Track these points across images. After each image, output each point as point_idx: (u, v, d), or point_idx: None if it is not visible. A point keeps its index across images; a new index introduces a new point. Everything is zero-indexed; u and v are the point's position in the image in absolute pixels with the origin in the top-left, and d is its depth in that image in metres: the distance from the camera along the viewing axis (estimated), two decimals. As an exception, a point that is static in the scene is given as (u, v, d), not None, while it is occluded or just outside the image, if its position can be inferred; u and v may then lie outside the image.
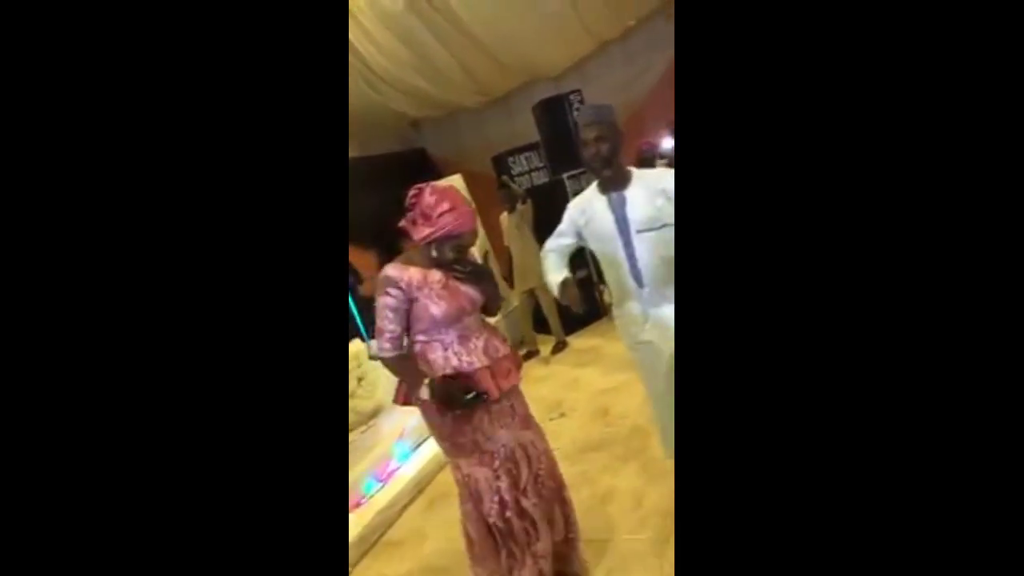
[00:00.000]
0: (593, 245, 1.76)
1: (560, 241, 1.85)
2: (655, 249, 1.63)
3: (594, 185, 1.75)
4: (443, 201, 1.47)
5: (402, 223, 1.55)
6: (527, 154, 4.51)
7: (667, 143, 4.60)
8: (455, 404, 1.48)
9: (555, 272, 1.79)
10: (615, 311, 1.86)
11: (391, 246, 6.75)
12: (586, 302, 4.80)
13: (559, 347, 4.24)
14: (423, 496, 2.70)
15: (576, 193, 4.58)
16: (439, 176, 5.41)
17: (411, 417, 3.17)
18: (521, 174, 4.49)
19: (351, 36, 4.52)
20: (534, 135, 4.69)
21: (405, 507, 2.62)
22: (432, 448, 3.00)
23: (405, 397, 1.59)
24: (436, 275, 1.52)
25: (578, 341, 4.30)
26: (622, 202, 1.65)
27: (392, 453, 2.91)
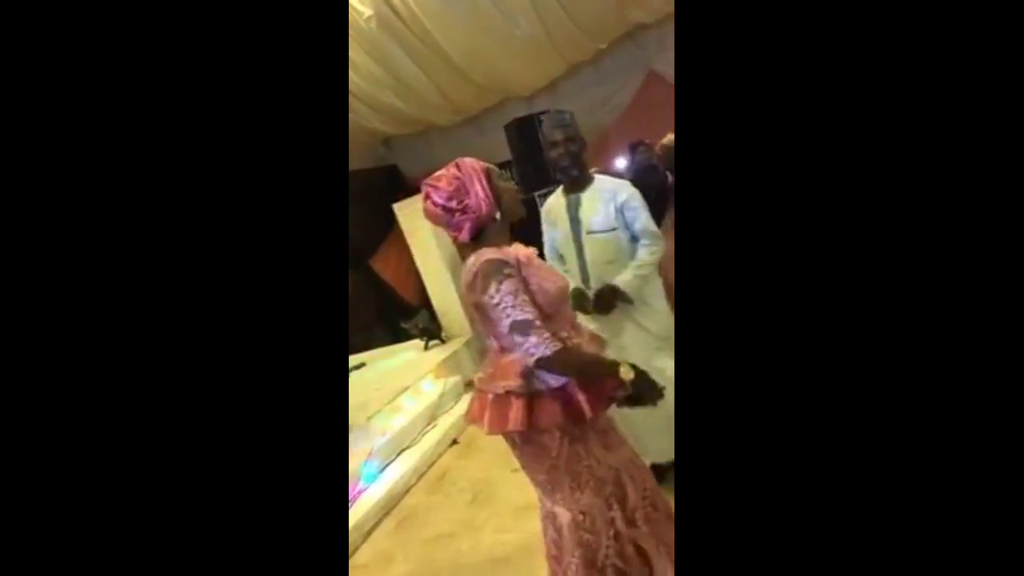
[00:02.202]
0: (550, 243, 1.89)
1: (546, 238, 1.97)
2: (602, 252, 1.74)
3: (560, 188, 1.85)
4: (457, 171, 1.27)
5: (463, 227, 1.27)
6: (500, 172, 4.55)
7: (620, 163, 4.68)
8: (653, 395, 1.24)
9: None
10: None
11: (362, 262, 6.70)
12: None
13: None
14: (390, 518, 2.65)
15: (548, 211, 4.61)
16: (411, 193, 5.41)
17: (378, 437, 3.11)
18: (493, 192, 4.51)
19: (323, 53, 4.52)
20: (506, 153, 4.73)
21: (372, 529, 2.56)
22: (400, 469, 2.95)
23: (537, 415, 1.21)
24: (525, 248, 1.30)
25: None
26: (577, 204, 1.77)
27: (359, 474, 2.85)
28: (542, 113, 4.46)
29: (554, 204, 1.86)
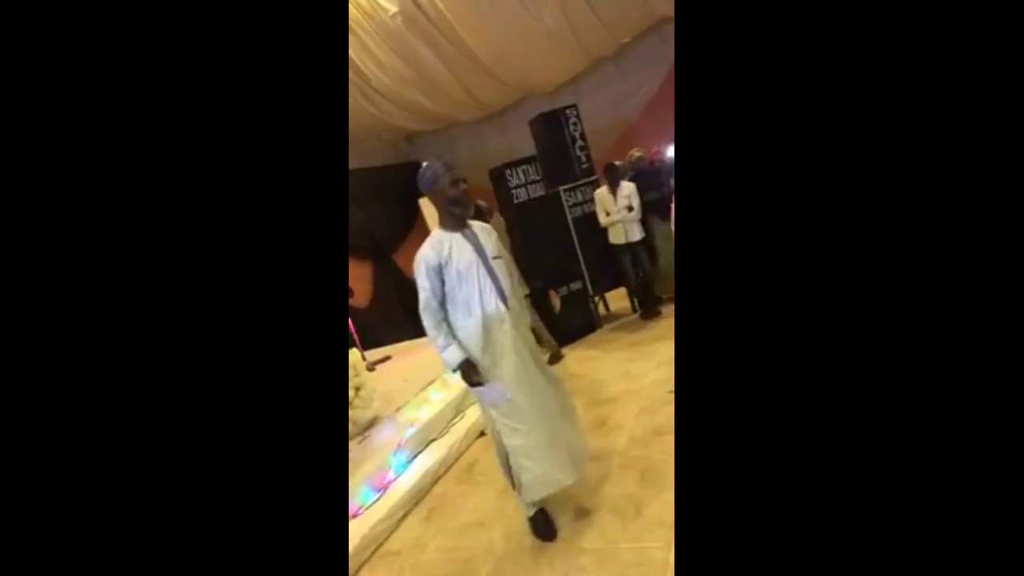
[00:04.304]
0: (453, 275, 1.95)
1: (431, 293, 1.97)
2: (506, 274, 2.05)
3: (438, 231, 2.01)
4: None
5: None
6: (523, 167, 4.57)
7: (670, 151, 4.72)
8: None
9: (440, 343, 2.00)
10: (461, 325, 1.99)
11: (387, 257, 6.76)
12: (581, 315, 4.79)
13: (554, 359, 4.26)
14: (421, 506, 2.70)
15: (573, 206, 4.60)
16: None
17: (407, 428, 3.17)
18: (517, 187, 4.53)
19: (350, 51, 4.58)
20: (527, 149, 4.74)
21: (403, 517, 2.61)
22: (429, 459, 3.00)
23: None
24: None
25: (572, 353, 4.32)
26: (475, 236, 2.02)
27: (389, 463, 2.91)
28: (567, 107, 4.47)
29: (447, 242, 1.97)
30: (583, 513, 2.18)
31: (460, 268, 1.95)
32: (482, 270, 1.97)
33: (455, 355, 1.96)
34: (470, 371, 1.97)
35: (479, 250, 1.99)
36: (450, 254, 1.95)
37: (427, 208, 4.83)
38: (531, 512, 2.13)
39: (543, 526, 2.12)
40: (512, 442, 2.02)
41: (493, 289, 1.98)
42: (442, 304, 1.99)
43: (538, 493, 2.05)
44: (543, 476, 2.01)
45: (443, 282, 1.96)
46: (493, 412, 2.03)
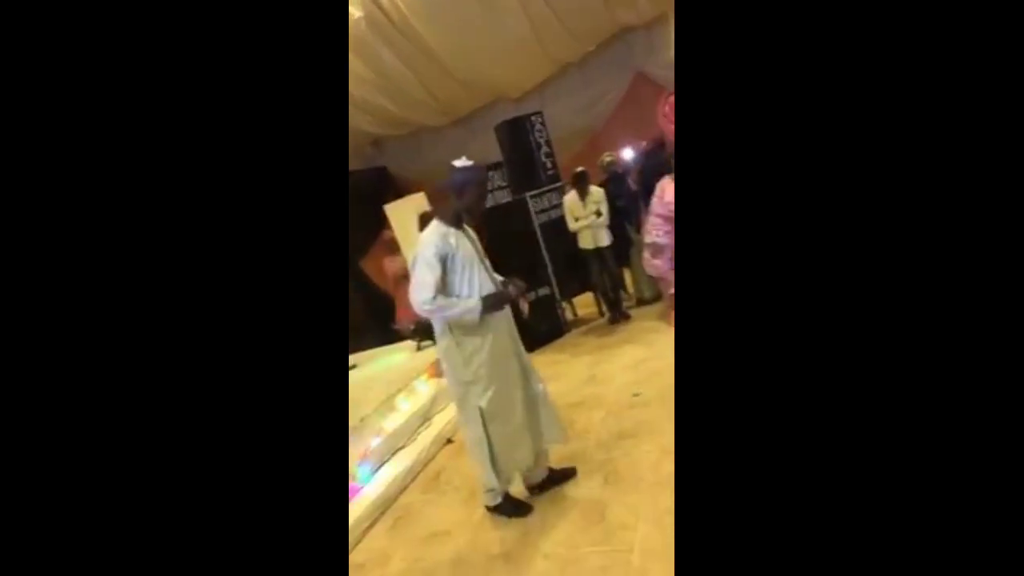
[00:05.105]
0: (459, 266, 2.09)
1: (435, 280, 2.04)
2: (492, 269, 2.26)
3: (439, 224, 2.12)
4: None
5: None
6: (490, 173, 4.58)
7: (627, 154, 4.78)
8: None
9: (461, 305, 2.06)
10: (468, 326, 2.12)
11: (353, 264, 6.64)
12: (549, 320, 4.81)
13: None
14: (386, 517, 2.66)
15: (539, 212, 4.62)
16: (400, 195, 5.41)
17: (373, 437, 3.12)
18: (484, 193, 4.54)
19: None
20: (495, 154, 4.75)
21: (368, 528, 2.57)
22: (395, 469, 2.96)
23: None
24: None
25: (540, 357, 4.34)
26: (471, 238, 2.21)
27: (355, 474, 2.86)
28: (533, 114, 4.50)
29: (451, 238, 2.10)
30: (547, 518, 2.18)
31: (464, 259, 2.12)
32: (479, 263, 2.17)
33: (472, 303, 2.06)
34: (498, 299, 2.14)
35: (475, 245, 2.20)
36: (456, 245, 2.10)
37: (394, 214, 4.79)
38: (498, 500, 2.28)
39: (514, 506, 2.29)
40: (494, 425, 2.16)
41: (490, 280, 2.18)
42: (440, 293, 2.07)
43: (517, 468, 2.28)
44: (520, 455, 2.23)
45: (444, 272, 2.06)
46: (482, 404, 2.14)
